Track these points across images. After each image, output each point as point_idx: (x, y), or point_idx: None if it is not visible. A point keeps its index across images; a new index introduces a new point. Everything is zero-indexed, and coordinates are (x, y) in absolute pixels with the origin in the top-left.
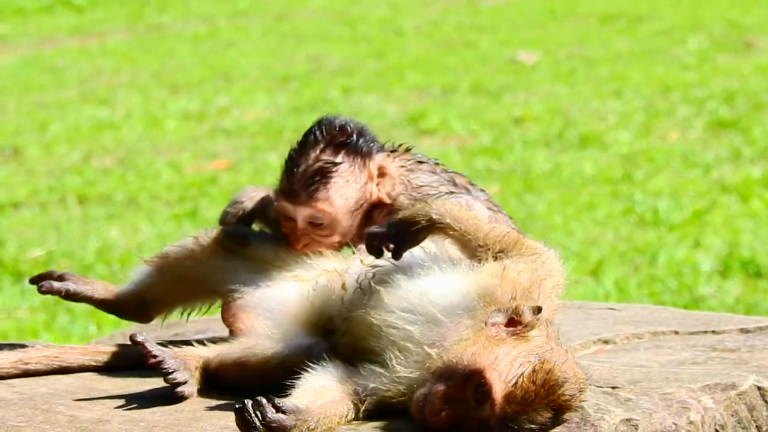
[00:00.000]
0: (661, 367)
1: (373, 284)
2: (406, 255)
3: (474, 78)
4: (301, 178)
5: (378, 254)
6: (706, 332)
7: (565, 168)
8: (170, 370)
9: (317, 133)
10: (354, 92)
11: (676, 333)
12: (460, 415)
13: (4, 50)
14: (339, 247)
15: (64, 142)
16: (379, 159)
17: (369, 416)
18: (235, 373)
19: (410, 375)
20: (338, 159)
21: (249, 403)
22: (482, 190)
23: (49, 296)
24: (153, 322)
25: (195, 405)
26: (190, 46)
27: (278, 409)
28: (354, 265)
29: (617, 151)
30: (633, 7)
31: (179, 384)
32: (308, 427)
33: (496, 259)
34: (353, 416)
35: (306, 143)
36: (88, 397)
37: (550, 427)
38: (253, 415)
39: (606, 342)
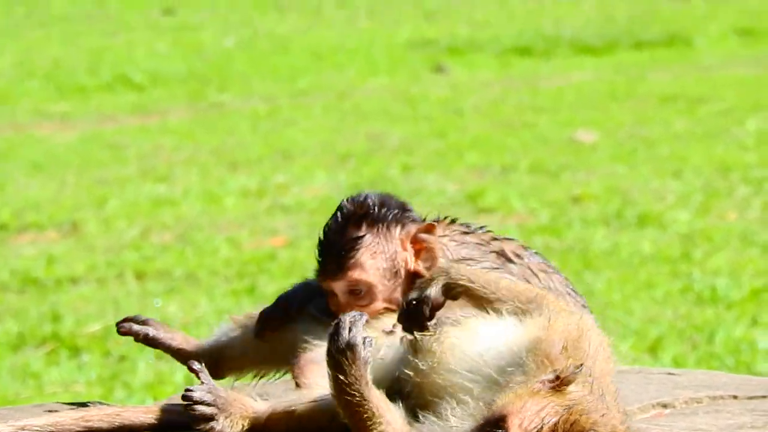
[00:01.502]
0: (720, 431)
1: (438, 347)
2: (462, 314)
3: (533, 157)
4: (332, 253)
5: (411, 331)
6: (765, 397)
7: (624, 247)
8: (195, 399)
9: (340, 211)
10: (414, 170)
11: (735, 397)
12: None
13: (65, 128)
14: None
15: (122, 217)
16: (411, 229)
17: None
18: (285, 422)
19: (461, 426)
20: (361, 232)
21: (354, 314)
22: (536, 253)
23: (106, 370)
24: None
25: None
26: (251, 124)
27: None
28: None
29: (676, 230)
30: (693, 89)
31: (200, 417)
32: (363, 398)
33: (524, 313)
34: None
35: (331, 223)
36: None
37: None
38: (348, 321)
39: (665, 406)
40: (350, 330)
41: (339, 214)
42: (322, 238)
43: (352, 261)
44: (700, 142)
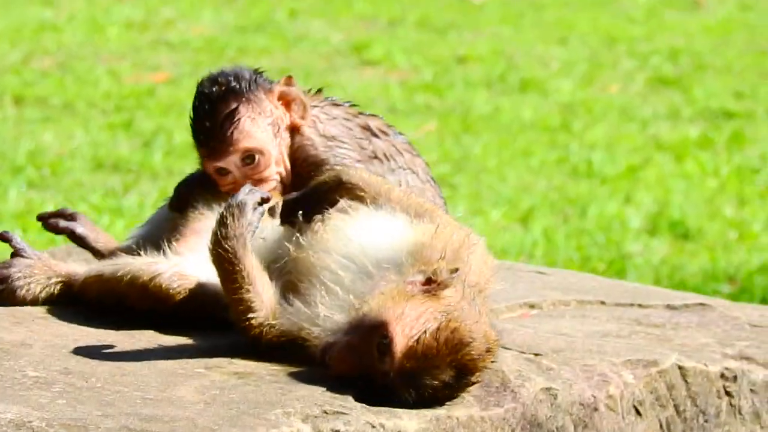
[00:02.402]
0: (585, 337)
1: (321, 227)
2: (355, 206)
3: (421, 12)
4: (213, 134)
5: (292, 221)
6: (632, 305)
7: (505, 112)
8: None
9: (204, 93)
10: (300, 15)
11: (603, 303)
12: (363, 366)
13: None
14: (283, 183)
15: (4, 40)
16: (274, 88)
17: (287, 361)
18: (96, 287)
19: (328, 316)
20: (232, 105)
21: (253, 188)
22: (400, 134)
23: None
24: None
25: (119, 338)
26: None
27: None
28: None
29: (557, 99)
30: None
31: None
32: (236, 258)
33: (414, 219)
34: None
35: (199, 107)
36: (13, 318)
37: (457, 387)
38: (247, 188)
39: (532, 306)
40: (246, 194)
41: (203, 96)
42: (195, 124)
43: (237, 133)
44: (589, 10)
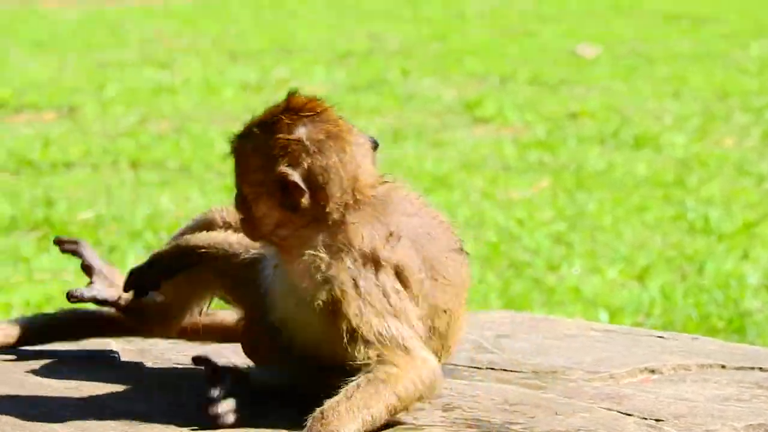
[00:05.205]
0: (706, 401)
1: None
2: None
3: (533, 68)
4: None
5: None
6: (753, 368)
7: (618, 168)
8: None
9: None
10: (412, 74)
11: (723, 367)
12: None
13: (68, 3)
14: None
15: (121, 103)
16: None
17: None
18: None
19: None
20: None
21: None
22: None
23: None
24: None
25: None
26: (253, 13)
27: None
28: None
29: (671, 154)
30: (697, 8)
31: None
32: None
33: None
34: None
35: None
36: None
37: None
38: None
39: (652, 371)
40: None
41: None
42: None
43: None
44: (701, 63)
